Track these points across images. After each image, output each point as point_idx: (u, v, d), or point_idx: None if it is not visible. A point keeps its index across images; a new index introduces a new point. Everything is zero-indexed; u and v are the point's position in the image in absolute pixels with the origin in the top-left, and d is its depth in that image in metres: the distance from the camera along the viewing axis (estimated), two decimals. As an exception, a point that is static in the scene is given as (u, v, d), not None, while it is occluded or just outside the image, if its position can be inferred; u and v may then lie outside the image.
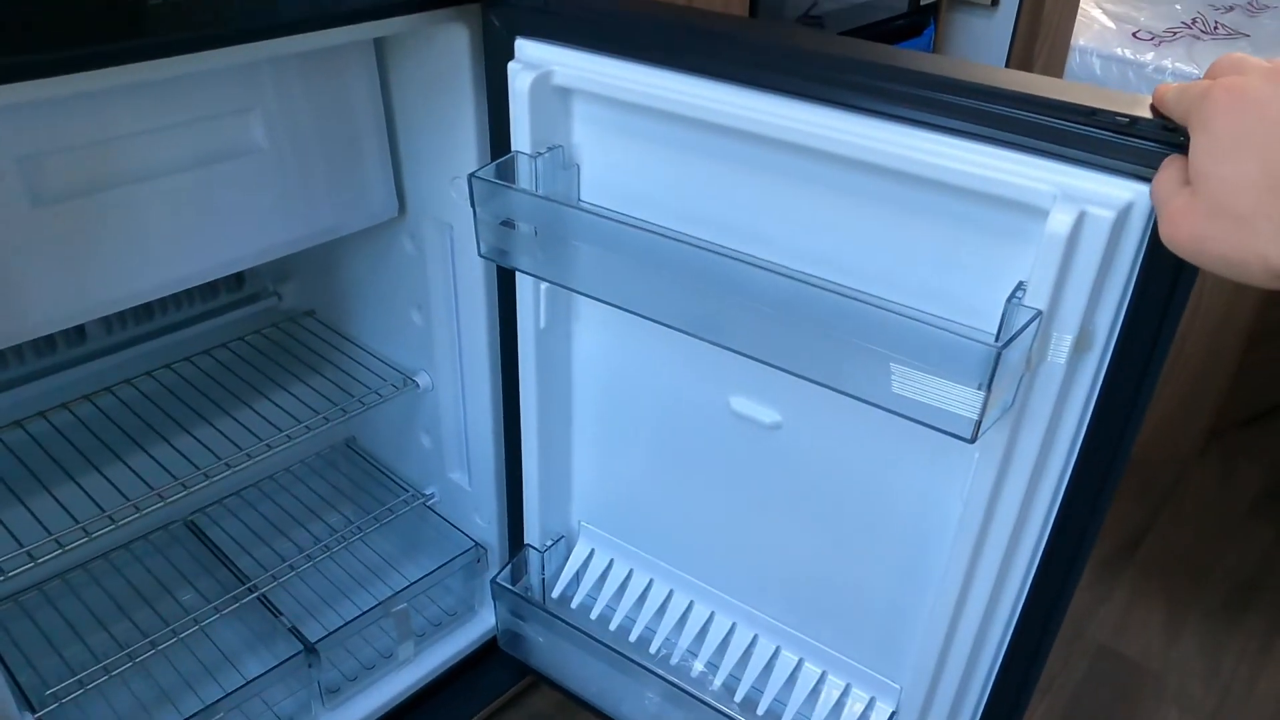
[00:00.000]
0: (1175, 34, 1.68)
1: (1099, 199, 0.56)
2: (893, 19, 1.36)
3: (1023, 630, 0.74)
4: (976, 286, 0.65)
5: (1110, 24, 1.65)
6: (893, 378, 0.63)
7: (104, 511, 0.92)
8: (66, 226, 0.77)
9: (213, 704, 0.94)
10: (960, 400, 0.60)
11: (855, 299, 0.63)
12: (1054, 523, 0.69)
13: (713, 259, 0.70)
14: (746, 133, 0.71)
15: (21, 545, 0.87)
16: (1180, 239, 0.49)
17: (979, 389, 0.58)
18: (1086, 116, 0.56)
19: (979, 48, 1.49)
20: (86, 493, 0.98)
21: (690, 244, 0.71)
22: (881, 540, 0.81)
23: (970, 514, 0.69)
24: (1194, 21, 1.72)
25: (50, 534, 0.88)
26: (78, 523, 0.90)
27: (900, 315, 0.61)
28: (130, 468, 1.03)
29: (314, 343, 1.27)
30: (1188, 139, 0.50)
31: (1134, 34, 1.66)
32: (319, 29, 0.73)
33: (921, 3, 1.37)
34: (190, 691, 1.08)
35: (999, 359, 0.56)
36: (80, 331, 1.12)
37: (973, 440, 0.60)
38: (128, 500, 0.94)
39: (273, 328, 1.29)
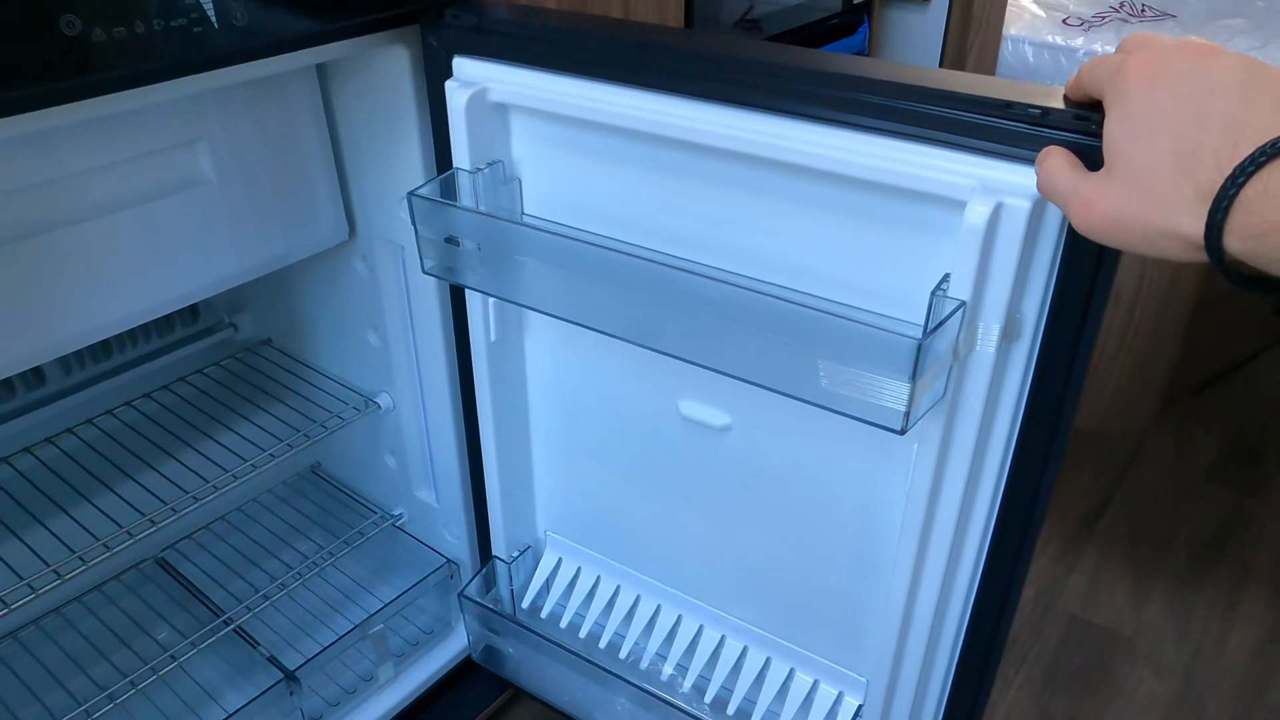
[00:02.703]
0: (1104, 18, 1.72)
1: (1016, 189, 0.58)
2: (827, 19, 1.39)
3: (980, 613, 0.76)
4: (907, 281, 0.67)
5: (1040, 12, 1.69)
6: (820, 374, 0.64)
7: (74, 552, 0.92)
8: (16, 268, 0.77)
9: (190, 739, 0.94)
10: (888, 393, 0.61)
11: (781, 299, 0.64)
12: (1000, 507, 0.70)
13: (645, 266, 0.71)
14: (676, 140, 0.73)
15: (-7, 591, 0.87)
16: (1096, 222, 0.50)
17: (905, 381, 0.60)
18: (1002, 110, 0.58)
19: (913, 43, 1.52)
20: (55, 535, 0.98)
21: (623, 252, 0.73)
22: (833, 535, 0.83)
23: (913, 504, 0.71)
24: (1121, 5, 1.76)
25: (21, 579, 0.88)
26: (48, 566, 0.90)
27: (825, 313, 0.63)
28: (98, 507, 1.03)
29: (273, 371, 1.27)
30: (1099, 124, 0.51)
31: (1064, 20, 1.69)
32: (260, 57, 0.74)
33: (855, 1, 1.39)
34: (171, 728, 1.08)
35: (922, 350, 0.58)
36: (38, 374, 1.11)
37: (902, 432, 0.62)
38: (97, 540, 0.94)
39: (231, 359, 1.29)
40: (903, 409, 0.60)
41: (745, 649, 0.94)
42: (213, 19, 0.65)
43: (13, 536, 0.99)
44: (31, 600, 0.88)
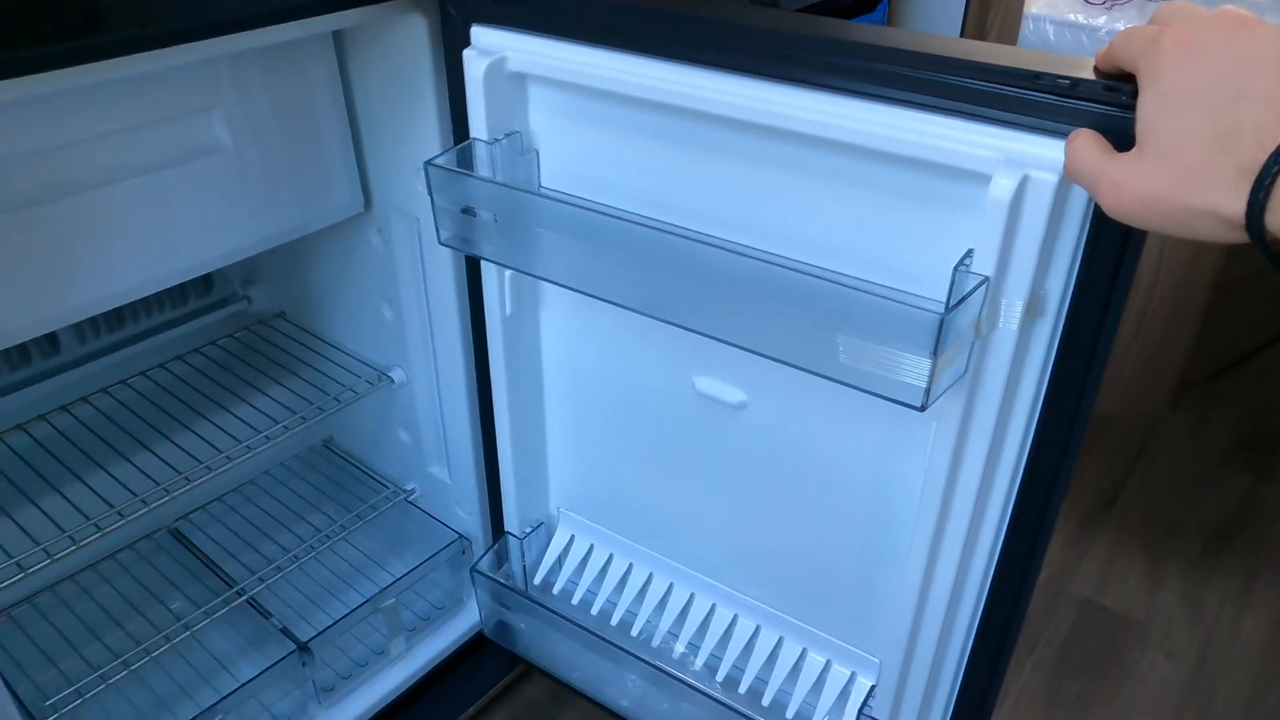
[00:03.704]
0: (1129, -5, 1.69)
1: (1042, 163, 0.57)
2: (846, -7, 1.37)
3: (996, 596, 0.75)
4: (927, 256, 0.66)
5: (1062, -11, 1.67)
6: (839, 349, 0.64)
7: (89, 519, 0.92)
8: (34, 232, 0.77)
9: (210, 707, 0.95)
10: (909, 369, 0.61)
11: (799, 271, 0.63)
12: (1019, 488, 0.70)
13: (662, 238, 0.71)
14: (695, 111, 0.72)
15: (11, 556, 0.87)
16: (1127, 203, 0.49)
17: (927, 357, 0.59)
18: (1029, 81, 0.57)
19: (933, 20, 1.50)
20: (71, 502, 0.98)
21: (642, 224, 0.72)
22: (848, 514, 0.83)
23: (931, 483, 0.70)
24: (1146, -18, 1.73)
25: (38, 544, 0.89)
26: (63, 532, 0.91)
27: (845, 286, 0.62)
28: (112, 475, 1.03)
29: (286, 344, 1.27)
30: (1130, 96, 0.50)
31: (1086, -1, 1.67)
32: (277, 22, 0.73)
33: (876, -24, 1.37)
34: (187, 698, 1.08)
35: (944, 325, 0.57)
36: (54, 342, 1.12)
37: (923, 409, 0.61)
38: (112, 507, 0.94)
39: (244, 331, 1.29)
40: (923, 385, 0.59)
41: (758, 628, 0.94)
42: (230, -18, 0.64)
43: (28, 503, 0.99)
44: (47, 566, 0.88)
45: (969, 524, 0.71)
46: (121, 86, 0.79)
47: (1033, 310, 0.61)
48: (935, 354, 0.58)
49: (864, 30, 0.67)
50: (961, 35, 1.47)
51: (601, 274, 0.77)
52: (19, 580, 0.86)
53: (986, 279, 0.60)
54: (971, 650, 0.79)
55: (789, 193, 0.72)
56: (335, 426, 1.38)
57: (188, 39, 0.70)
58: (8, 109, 0.72)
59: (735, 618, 0.96)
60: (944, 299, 0.61)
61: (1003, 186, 0.57)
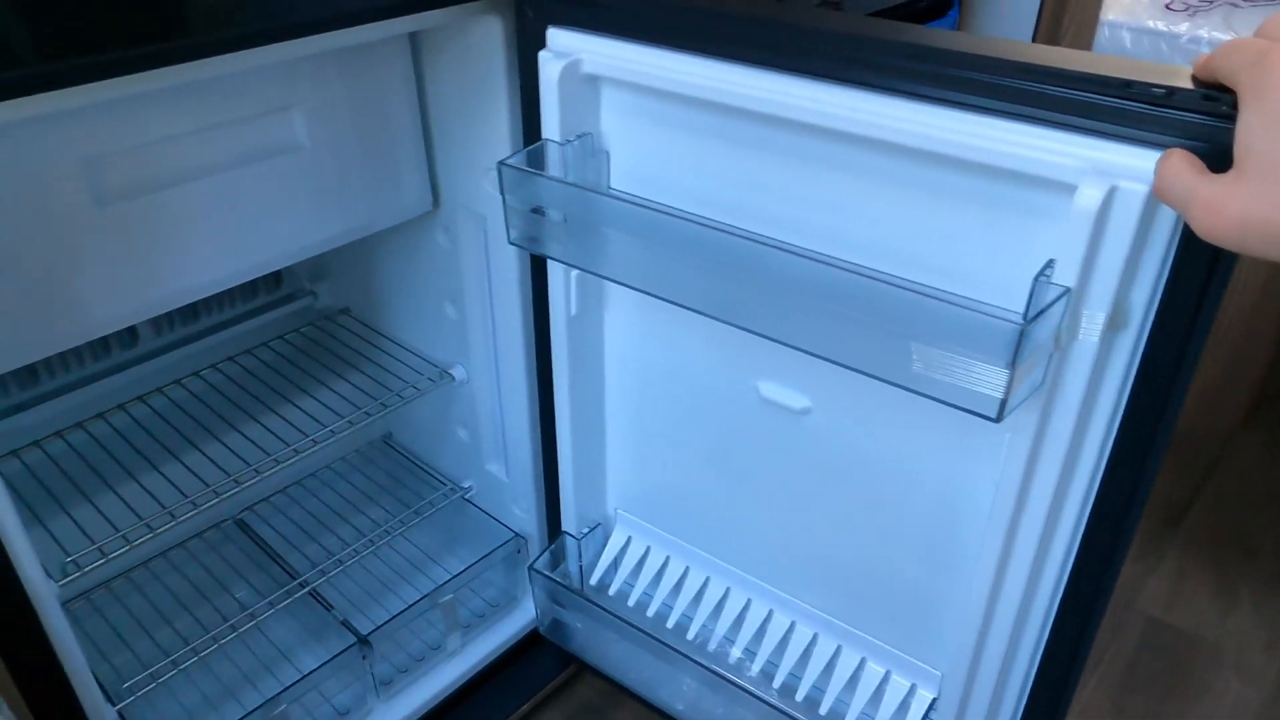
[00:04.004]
0: (1212, 2, 1.65)
1: (1132, 173, 0.55)
2: (914, 1, 1.35)
3: (1066, 613, 0.73)
4: (999, 265, 0.65)
5: (1141, -4, 1.62)
6: (913, 357, 0.63)
7: (165, 508, 0.95)
8: (126, 226, 0.80)
9: (274, 696, 0.97)
10: (985, 379, 0.60)
11: (875, 279, 0.63)
12: (1094, 504, 0.68)
13: (736, 242, 0.70)
14: (772, 117, 0.72)
15: (94, 541, 0.90)
16: (1222, 226, 0.47)
17: (1004, 367, 0.58)
18: (1121, 89, 0.56)
19: (1004, 25, 1.48)
20: (147, 490, 1.01)
21: (714, 228, 0.72)
22: (913, 524, 0.82)
23: (1003, 496, 0.69)
24: (1231, -13, 1.69)
25: (118, 530, 0.91)
26: (141, 519, 0.93)
27: (921, 294, 0.61)
28: (186, 465, 1.06)
29: (350, 339, 1.29)
30: (1231, 106, 0.49)
31: (1167, 5, 1.62)
32: (361, 23, 0.75)
33: (945, -18, 1.35)
34: (250, 685, 1.11)
35: (1023, 336, 0.56)
36: (133, 333, 1.15)
37: (998, 419, 0.60)
38: (186, 497, 0.96)
39: (310, 326, 1.32)
40: (1000, 396, 0.58)
41: (815, 636, 0.93)
42: (316, -16, 0.66)
43: (108, 489, 1.02)
44: (126, 552, 0.90)
45: (1040, 539, 0.69)
46: (207, 86, 0.82)
47: (1115, 323, 0.60)
48: (1013, 365, 0.57)
49: (945, 36, 0.66)
50: (1033, 41, 1.45)
51: (670, 276, 0.77)
52: (100, 565, 0.88)
53: (1068, 290, 0.59)
54: (1040, 666, 0.77)
55: (858, 198, 0.71)
56: (394, 422, 1.40)
57: (273, 39, 0.71)
58: (102, 109, 0.75)
59: (793, 624, 0.95)
60: (1020, 308, 0.60)
61: (1089, 197, 0.56)
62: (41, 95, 0.61)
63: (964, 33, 0.66)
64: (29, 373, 1.06)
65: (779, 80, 0.70)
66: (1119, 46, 1.57)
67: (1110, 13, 1.57)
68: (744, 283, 0.72)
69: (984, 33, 1.49)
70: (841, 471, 0.85)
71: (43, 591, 0.75)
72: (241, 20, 0.67)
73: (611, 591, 1.08)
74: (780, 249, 0.68)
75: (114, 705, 0.90)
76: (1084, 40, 1.47)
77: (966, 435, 0.74)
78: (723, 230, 0.71)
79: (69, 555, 0.89)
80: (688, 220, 0.73)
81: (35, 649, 0.75)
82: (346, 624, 1.09)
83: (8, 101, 0.60)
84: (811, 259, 0.66)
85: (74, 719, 0.80)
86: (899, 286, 0.61)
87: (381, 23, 0.78)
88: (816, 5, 1.39)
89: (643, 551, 1.06)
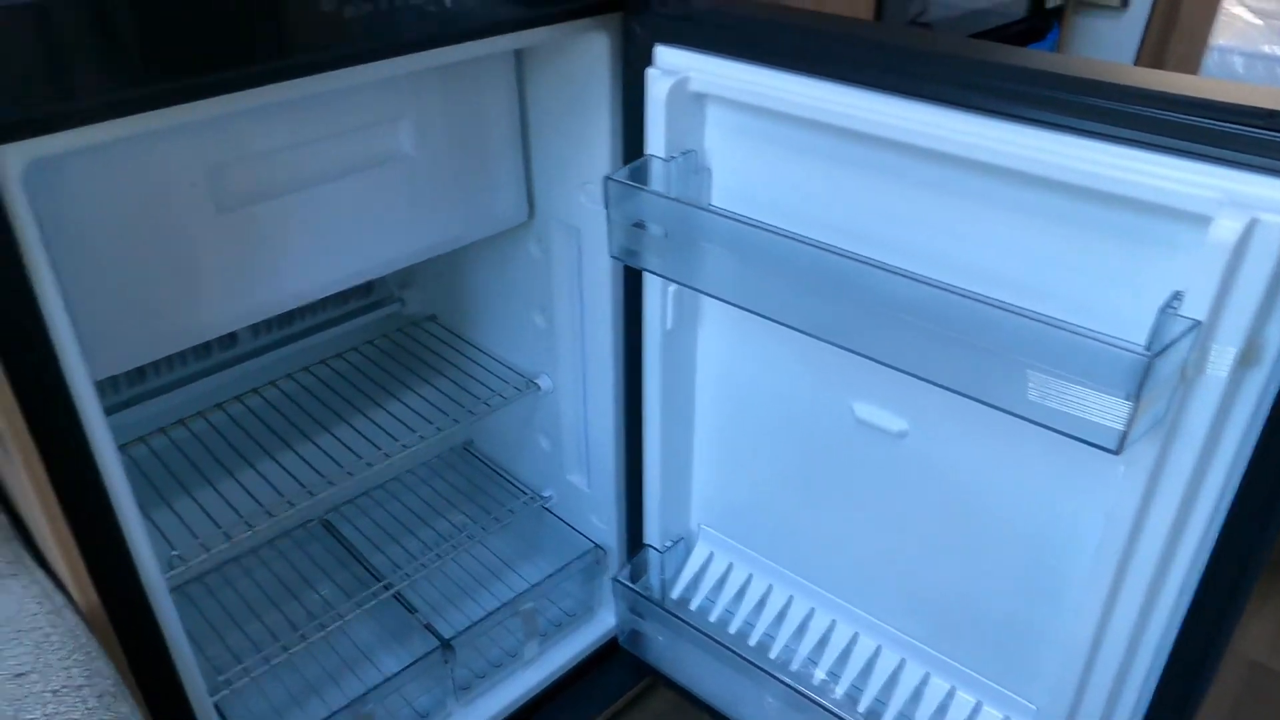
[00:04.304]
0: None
1: (1274, 206, 0.54)
2: (1010, 25, 1.34)
3: (1177, 659, 0.71)
4: (1120, 295, 0.64)
5: (1255, 19, 1.56)
6: (1029, 385, 0.62)
7: (262, 506, 0.97)
8: (243, 231, 0.83)
9: (361, 696, 0.98)
10: (1106, 410, 0.59)
11: (992, 305, 0.62)
12: (1214, 546, 0.66)
13: (845, 264, 0.70)
14: (882, 139, 0.72)
15: (197, 536, 0.92)
16: None
17: (1126, 399, 0.57)
18: (1265, 119, 0.55)
19: (1104, 48, 1.45)
20: (244, 487, 1.04)
21: (822, 248, 0.72)
22: (1011, 552, 0.80)
23: (1113, 530, 0.67)
24: (1349, 13, 1.63)
25: (219, 526, 0.94)
26: (241, 517, 0.96)
27: (1041, 322, 0.61)
28: (280, 464, 1.09)
29: (436, 346, 1.31)
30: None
31: (1284, 29, 1.58)
32: (474, 39, 0.76)
33: (1047, 6, 1.33)
34: (333, 684, 1.13)
35: (1149, 369, 0.55)
36: (232, 336, 1.18)
37: (1118, 452, 0.59)
38: (282, 496, 0.98)
39: (397, 332, 1.34)
40: (1121, 428, 0.57)
41: (903, 661, 0.92)
42: (448, 1, 0.67)
43: (205, 484, 1.05)
44: (225, 548, 0.93)
45: (1152, 579, 0.68)
46: (324, 97, 0.84)
47: (1248, 358, 0.59)
48: (1137, 397, 0.56)
49: (1068, 62, 0.65)
50: (1135, 64, 1.42)
51: (774, 294, 0.77)
52: (201, 560, 0.91)
53: (1197, 323, 0.58)
54: (1147, 710, 0.75)
55: (963, 222, 0.71)
56: (475, 429, 1.41)
57: (388, 55, 0.73)
58: (228, 120, 0.78)
59: (879, 649, 0.94)
60: (1134, 338, 0.59)
61: (1227, 229, 0.55)
62: (174, 108, 0.64)
63: (1090, 59, 0.66)
64: (137, 371, 1.10)
65: (889, 102, 0.70)
66: (1229, 71, 1.53)
67: (1221, 37, 1.52)
68: (852, 304, 0.72)
69: (1084, 53, 1.47)
70: (937, 496, 0.84)
71: (156, 582, 0.77)
72: (358, 37, 0.69)
73: (693, 607, 1.08)
74: (892, 272, 0.68)
75: (211, 697, 0.92)
76: (1191, 64, 1.43)
77: (1074, 465, 0.72)
78: (827, 250, 0.71)
79: (173, 549, 0.92)
80: (792, 239, 0.73)
81: (149, 639, 0.77)
82: (430, 627, 1.10)
83: (144, 114, 0.62)
84: (924, 283, 0.66)
85: (180, 709, 0.82)
86: (1018, 314, 0.61)
87: (492, 39, 0.79)
88: (905, 24, 1.39)
89: (725, 568, 1.06)
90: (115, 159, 0.74)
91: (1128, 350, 0.56)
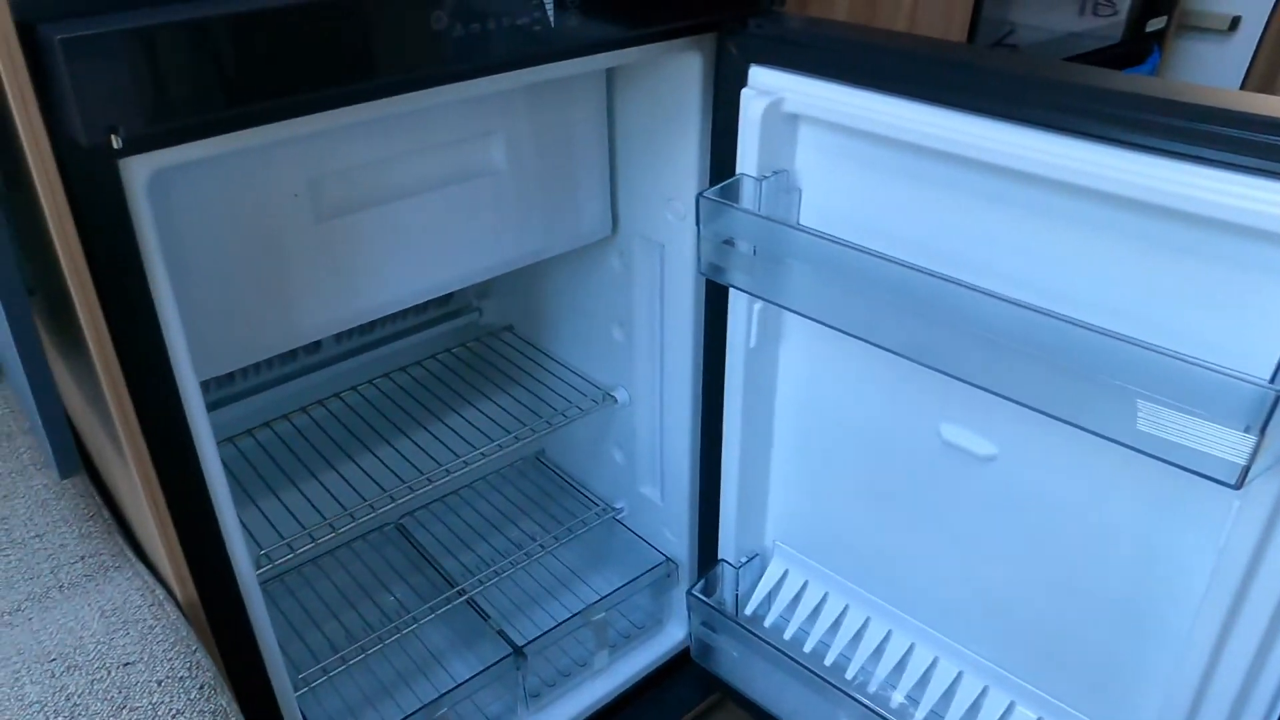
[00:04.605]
0: None
1: (1394, 235, 0.53)
2: (1108, 48, 1.32)
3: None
4: (1231, 325, 0.63)
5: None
6: (1139, 415, 0.61)
7: (346, 509, 0.99)
8: (339, 240, 0.85)
9: (436, 700, 1.00)
10: (1224, 443, 0.57)
11: (1101, 333, 0.61)
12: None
13: (943, 286, 0.70)
14: (977, 161, 0.71)
15: (283, 537, 0.95)
16: None
17: (1251, 433, 0.56)
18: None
19: (1209, 76, 1.42)
20: (328, 490, 1.06)
21: (920, 271, 0.71)
22: (1103, 584, 0.79)
23: (1226, 568, 0.66)
24: None
25: (304, 527, 0.96)
26: (324, 519, 0.98)
27: (1156, 352, 0.60)
28: (361, 467, 1.11)
29: (513, 356, 1.32)
30: None
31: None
32: (571, 57, 0.78)
33: (1147, 29, 1.31)
34: (405, 686, 1.14)
35: (1277, 402, 0.54)
36: (317, 342, 1.21)
37: (1238, 487, 0.58)
38: (364, 500, 1.00)
39: (475, 341, 1.36)
40: (1241, 463, 0.56)
41: (985, 689, 0.91)
42: (551, 20, 0.68)
43: (289, 485, 1.07)
44: (309, 549, 0.95)
45: (1270, 619, 0.66)
46: (421, 112, 0.86)
47: (1370, 392, 0.57)
48: (1261, 431, 0.54)
49: (1170, 86, 0.64)
50: (1242, 89, 1.39)
51: (863, 314, 0.77)
52: (284, 560, 0.93)
53: (1319, 354, 0.56)
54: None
55: (1060, 247, 0.70)
56: (548, 440, 1.43)
57: (485, 73, 0.74)
58: (330, 134, 0.80)
59: (960, 674, 0.93)
60: (1248, 370, 0.57)
61: (1351, 257, 0.53)
62: (286, 122, 0.66)
63: (1186, 82, 0.65)
64: (227, 374, 1.13)
65: (985, 125, 0.70)
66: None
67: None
68: (947, 326, 0.71)
69: (1187, 78, 1.44)
70: (1025, 523, 0.83)
71: (249, 579, 0.79)
72: (464, 55, 0.70)
73: (767, 623, 1.07)
74: (992, 296, 0.67)
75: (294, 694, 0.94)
76: (1298, 89, 1.40)
77: (1179, 497, 0.71)
78: (933, 275, 0.71)
79: (261, 548, 0.94)
80: (893, 262, 0.73)
81: (242, 634, 0.80)
82: (502, 634, 1.11)
83: (258, 128, 0.65)
84: (1027, 308, 0.65)
85: (268, 706, 0.84)
86: (1132, 343, 0.60)
87: (589, 58, 0.80)
88: (990, 46, 1.37)
89: (800, 585, 1.06)
90: (226, 170, 0.77)
91: (1251, 383, 0.55)
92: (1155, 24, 1.33)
